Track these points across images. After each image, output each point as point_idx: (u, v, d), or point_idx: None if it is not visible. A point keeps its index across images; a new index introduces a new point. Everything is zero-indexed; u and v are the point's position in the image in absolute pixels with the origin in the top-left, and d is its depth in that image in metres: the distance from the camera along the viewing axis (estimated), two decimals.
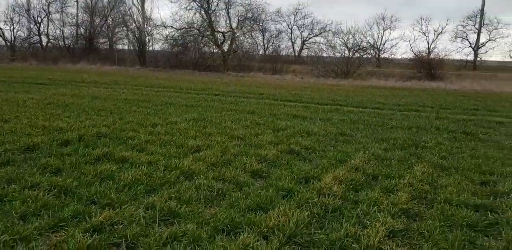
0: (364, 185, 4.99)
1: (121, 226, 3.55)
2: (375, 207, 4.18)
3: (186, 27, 36.91)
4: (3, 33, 42.12)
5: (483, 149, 7.38)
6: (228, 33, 36.97)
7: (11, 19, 41.87)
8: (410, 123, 9.94)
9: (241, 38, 37.66)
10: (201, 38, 36.38)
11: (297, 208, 4.05)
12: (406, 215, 4.12)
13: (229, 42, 36.98)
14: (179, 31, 37.20)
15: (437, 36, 47.81)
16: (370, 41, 42.06)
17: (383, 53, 42.95)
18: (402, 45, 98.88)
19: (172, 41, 37.64)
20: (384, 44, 43.84)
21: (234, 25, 37.09)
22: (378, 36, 45.65)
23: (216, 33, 36.65)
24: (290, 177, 5.09)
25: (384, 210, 4.12)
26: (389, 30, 47.38)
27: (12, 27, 42.12)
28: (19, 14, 42.44)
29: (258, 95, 15.71)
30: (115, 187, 4.47)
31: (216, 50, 37.11)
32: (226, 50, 36.57)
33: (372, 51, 41.29)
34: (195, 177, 4.96)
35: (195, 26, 36.67)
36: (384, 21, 45.55)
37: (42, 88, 15.25)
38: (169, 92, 15.86)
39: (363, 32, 51.05)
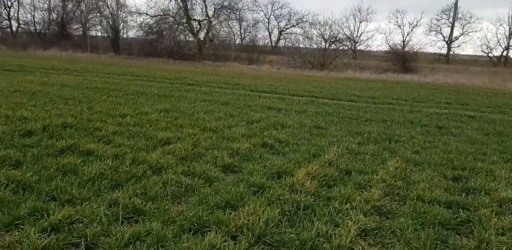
0: (337, 180, 4.89)
1: (81, 224, 3.35)
2: (348, 204, 4.08)
3: (161, 14, 36.24)
4: None
5: (455, 143, 7.40)
6: (204, 22, 36.48)
7: None
8: (384, 116, 9.94)
9: (217, 27, 37.24)
10: (176, 26, 35.74)
11: (268, 205, 3.91)
12: (378, 212, 4.03)
13: (205, 30, 36.50)
14: (154, 18, 36.54)
15: (412, 29, 48.52)
16: (346, 32, 42.23)
17: (359, 45, 43.34)
18: (378, 38, 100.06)
19: (146, 28, 36.96)
20: (360, 36, 44.14)
21: (210, 13, 36.61)
22: (354, 28, 46.26)
23: (192, 21, 36.09)
24: (262, 172, 4.95)
25: (356, 207, 4.03)
26: (365, 22, 47.88)
27: None
28: None
29: (234, 85, 15.49)
30: (78, 181, 4.24)
31: (192, 39, 36.60)
32: (202, 39, 36.08)
33: (348, 43, 41.49)
34: (163, 172, 4.77)
35: (171, 14, 36.03)
36: (360, 13, 45.74)
37: (9, 75, 14.68)
38: (142, 81, 15.49)
39: (340, 24, 51.40)
